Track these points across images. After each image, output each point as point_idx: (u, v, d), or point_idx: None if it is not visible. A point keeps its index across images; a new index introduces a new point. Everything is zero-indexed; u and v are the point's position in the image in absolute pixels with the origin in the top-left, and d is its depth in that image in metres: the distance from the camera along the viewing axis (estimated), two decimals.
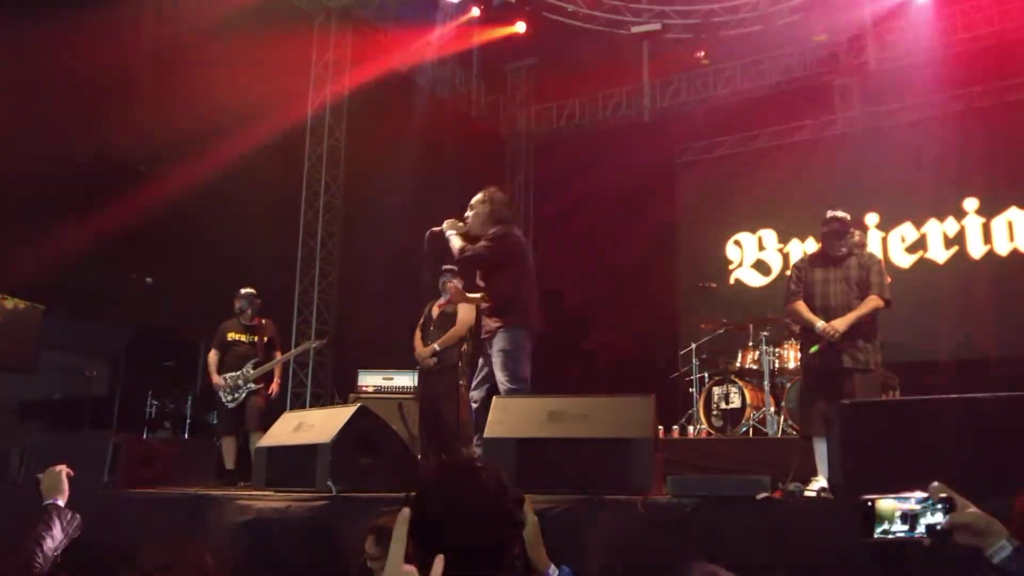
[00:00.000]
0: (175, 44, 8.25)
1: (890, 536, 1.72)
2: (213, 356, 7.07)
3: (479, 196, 5.37)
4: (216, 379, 6.96)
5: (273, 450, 4.98)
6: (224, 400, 6.95)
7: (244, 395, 6.92)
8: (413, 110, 11.15)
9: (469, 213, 5.34)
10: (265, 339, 7.24)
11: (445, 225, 5.35)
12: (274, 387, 7.15)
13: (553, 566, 2.62)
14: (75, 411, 7.72)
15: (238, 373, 6.96)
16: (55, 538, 2.73)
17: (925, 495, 1.71)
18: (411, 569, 1.33)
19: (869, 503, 1.74)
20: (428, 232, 5.38)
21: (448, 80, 12.66)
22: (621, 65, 12.34)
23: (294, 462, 4.74)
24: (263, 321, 7.36)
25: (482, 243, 5.17)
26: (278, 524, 4.22)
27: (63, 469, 3.02)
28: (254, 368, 6.99)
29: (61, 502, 2.90)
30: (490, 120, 13.72)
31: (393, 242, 9.77)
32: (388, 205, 10.07)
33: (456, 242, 5.27)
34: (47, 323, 7.76)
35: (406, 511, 1.39)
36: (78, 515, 2.81)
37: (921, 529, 1.70)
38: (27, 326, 7.58)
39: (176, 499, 4.79)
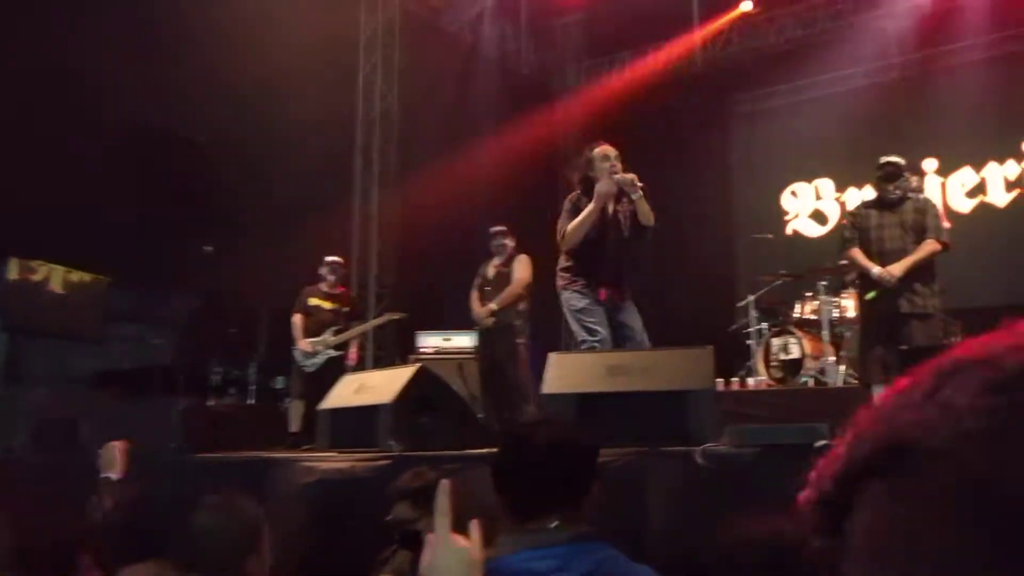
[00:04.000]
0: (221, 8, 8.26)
1: None
2: (297, 320, 7.14)
3: (614, 151, 5.25)
4: (303, 343, 7.03)
5: (336, 412, 5.07)
6: (302, 364, 7.04)
7: (322, 361, 7.02)
8: (462, 69, 11.09)
9: (617, 164, 5.16)
10: (347, 308, 7.36)
11: (630, 179, 5.04)
12: (352, 356, 7.26)
13: None
14: (142, 380, 7.91)
15: (318, 339, 7.06)
16: (107, 507, 2.90)
17: None
18: (461, 539, 1.35)
19: None
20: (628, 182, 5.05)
21: (496, 37, 12.54)
22: (672, 17, 12.09)
23: (356, 423, 4.82)
24: (346, 290, 7.47)
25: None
26: (343, 484, 4.29)
27: (118, 445, 3.18)
28: (334, 335, 7.11)
29: (114, 476, 3.07)
30: (540, 77, 13.57)
31: (446, 203, 9.78)
32: (440, 166, 10.07)
33: (646, 207, 5.04)
34: (112, 295, 7.94)
35: (446, 482, 1.40)
36: (134, 486, 2.96)
37: None
38: (94, 298, 7.79)
39: (242, 462, 4.91)
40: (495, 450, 2.00)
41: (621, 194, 5.15)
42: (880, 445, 0.46)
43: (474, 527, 1.39)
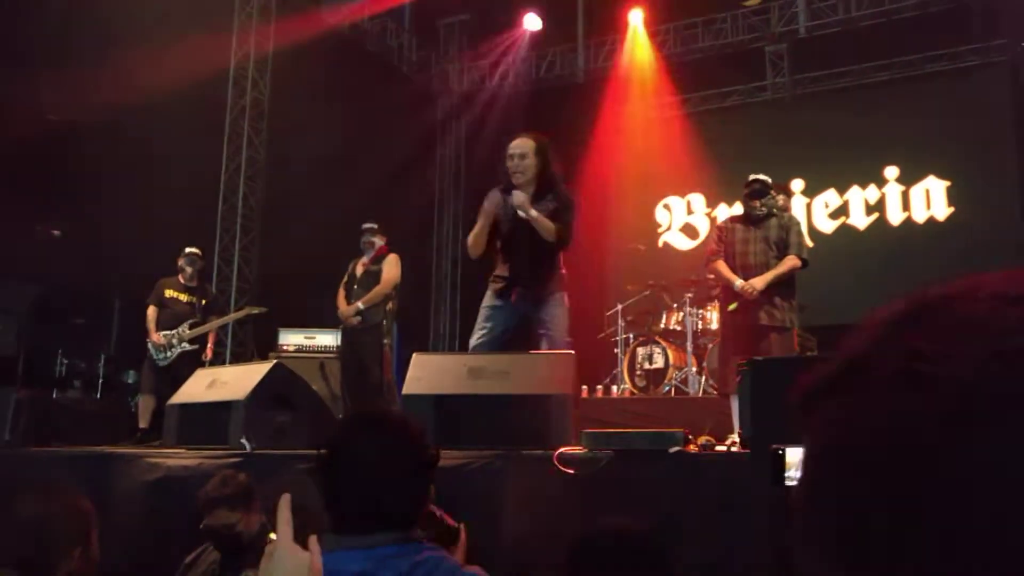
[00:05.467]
0: None
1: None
2: (152, 312, 6.89)
3: (530, 145, 4.78)
4: (156, 336, 6.77)
5: (186, 407, 4.88)
6: (155, 358, 6.76)
7: (176, 355, 6.75)
8: (341, 63, 10.82)
9: (519, 163, 4.73)
10: (204, 301, 7.09)
11: (521, 202, 4.64)
12: (208, 351, 7.01)
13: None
14: None
15: (173, 332, 6.79)
16: None
17: None
18: (303, 553, 1.32)
19: (779, 452, 1.77)
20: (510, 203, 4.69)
21: (379, 33, 12.35)
22: (555, 25, 12.22)
23: (207, 419, 4.66)
24: (204, 282, 7.21)
25: (566, 217, 4.79)
26: (188, 482, 4.13)
27: None
28: (190, 328, 6.83)
29: None
30: (422, 76, 13.46)
31: (318, 198, 9.53)
32: (313, 160, 9.81)
33: (547, 225, 4.67)
34: None
35: (287, 495, 1.35)
36: None
37: None
38: None
39: (81, 457, 4.64)
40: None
41: (542, 193, 4.80)
42: (840, 364, 0.47)
43: (312, 542, 1.35)
